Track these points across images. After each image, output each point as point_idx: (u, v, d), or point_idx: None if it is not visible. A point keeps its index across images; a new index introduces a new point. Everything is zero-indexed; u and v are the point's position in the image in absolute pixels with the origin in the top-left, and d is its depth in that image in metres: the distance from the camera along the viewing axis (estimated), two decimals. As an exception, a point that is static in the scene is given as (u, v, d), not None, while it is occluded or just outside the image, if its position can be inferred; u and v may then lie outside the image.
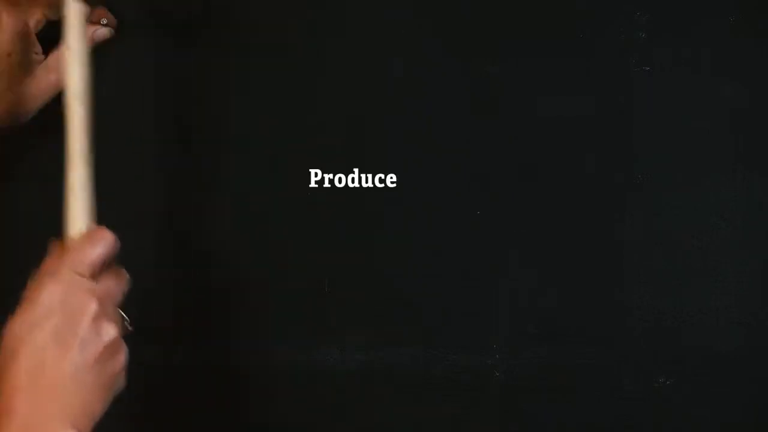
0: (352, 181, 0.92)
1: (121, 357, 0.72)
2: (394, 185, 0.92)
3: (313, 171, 0.92)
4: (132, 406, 0.94)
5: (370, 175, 0.92)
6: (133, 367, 0.94)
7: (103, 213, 0.93)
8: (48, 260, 0.72)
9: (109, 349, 0.71)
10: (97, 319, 0.71)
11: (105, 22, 0.86)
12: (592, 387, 0.93)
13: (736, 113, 0.89)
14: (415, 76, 0.91)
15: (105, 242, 0.74)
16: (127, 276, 0.75)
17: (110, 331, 0.71)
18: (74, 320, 0.70)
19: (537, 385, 0.93)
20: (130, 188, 0.93)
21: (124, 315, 0.74)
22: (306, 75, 0.91)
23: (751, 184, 0.89)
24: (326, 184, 0.93)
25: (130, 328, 0.74)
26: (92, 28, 0.86)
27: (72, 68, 0.76)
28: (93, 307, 0.71)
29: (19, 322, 0.69)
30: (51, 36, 0.90)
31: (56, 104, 0.92)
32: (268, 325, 0.93)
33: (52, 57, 0.87)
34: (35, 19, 0.85)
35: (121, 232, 0.93)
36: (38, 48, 0.87)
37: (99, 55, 0.91)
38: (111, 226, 0.93)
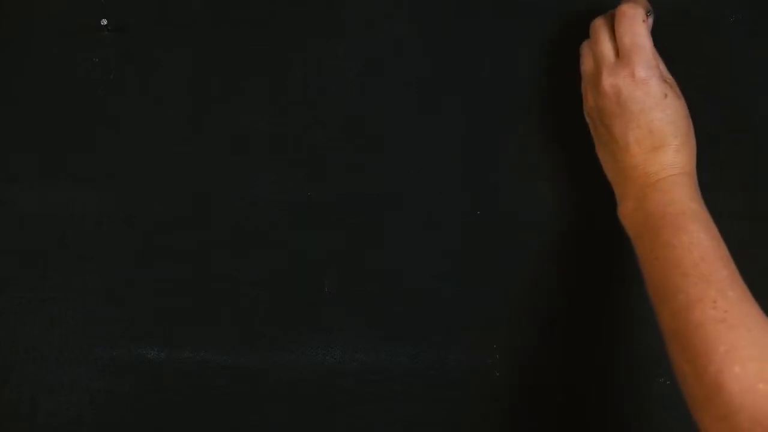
0: (352, 182, 0.92)
1: None
2: (394, 185, 0.92)
3: (312, 171, 0.92)
4: (132, 406, 0.95)
5: (370, 176, 0.92)
6: (133, 367, 0.94)
7: (103, 213, 0.93)
8: None
9: None
10: None
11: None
12: (592, 387, 0.93)
13: (736, 113, 0.89)
14: (415, 76, 0.91)
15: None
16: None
17: None
18: None
19: (537, 385, 0.93)
20: (129, 187, 0.93)
21: None
22: (306, 75, 0.91)
23: (752, 184, 0.89)
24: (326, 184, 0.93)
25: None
26: None
27: None
28: None
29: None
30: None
31: (58, 103, 0.92)
32: (268, 325, 0.93)
33: None
34: None
35: (121, 232, 0.93)
36: None
37: (99, 54, 0.92)
38: (111, 227, 0.93)
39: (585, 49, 0.83)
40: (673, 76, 0.81)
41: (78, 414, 0.94)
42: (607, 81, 0.78)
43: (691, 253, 0.72)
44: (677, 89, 0.80)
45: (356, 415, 0.94)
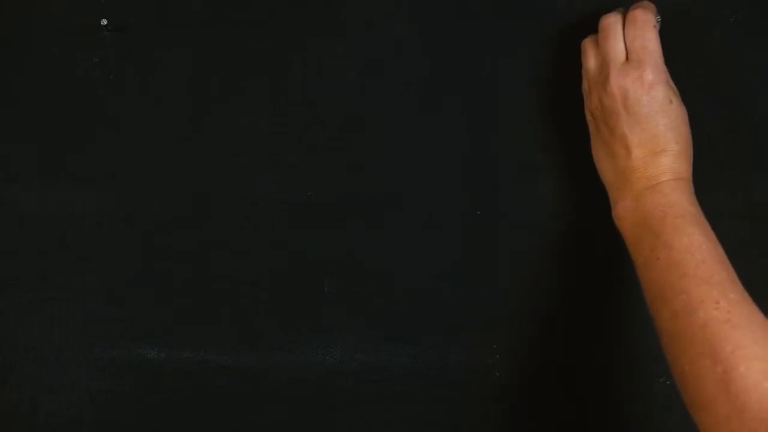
0: (352, 182, 0.92)
1: None
2: (394, 185, 0.92)
3: (312, 171, 0.92)
4: (132, 406, 0.95)
5: (370, 176, 0.92)
6: (133, 367, 0.94)
7: (103, 213, 0.93)
8: None
9: None
10: None
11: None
12: (592, 387, 0.93)
13: (736, 113, 0.89)
14: (415, 76, 0.91)
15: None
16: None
17: None
18: None
19: (537, 385, 0.93)
20: (129, 187, 0.93)
21: None
22: (306, 75, 0.91)
23: (751, 184, 0.89)
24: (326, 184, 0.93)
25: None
26: None
27: None
28: None
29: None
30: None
31: (58, 103, 0.92)
32: (268, 325, 0.93)
33: None
34: None
35: (121, 232, 0.93)
36: None
37: (98, 53, 0.92)
38: (111, 227, 0.93)
39: (588, 46, 0.83)
40: (673, 76, 0.81)
41: (78, 414, 0.94)
42: (616, 82, 0.79)
43: (693, 255, 0.72)
44: (679, 97, 0.81)
45: (356, 415, 0.94)
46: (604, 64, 0.80)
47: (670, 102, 0.78)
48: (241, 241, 0.93)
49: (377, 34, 0.90)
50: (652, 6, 0.82)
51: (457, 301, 0.92)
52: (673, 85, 0.81)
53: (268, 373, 0.93)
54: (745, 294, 0.70)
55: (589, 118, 0.84)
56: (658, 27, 0.81)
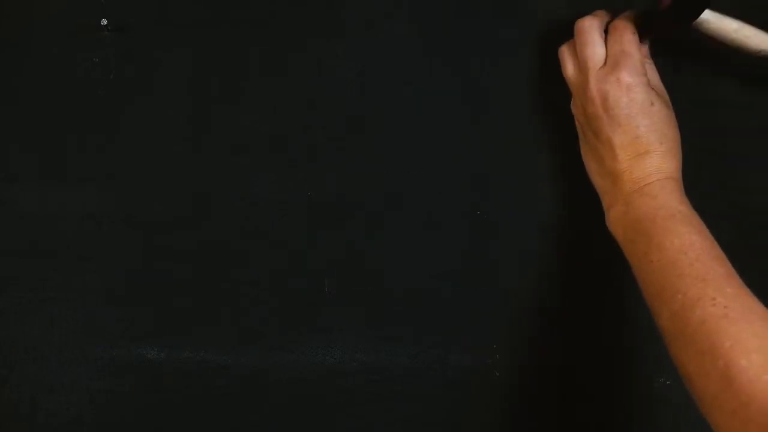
0: (352, 182, 0.92)
1: None
2: (394, 185, 0.92)
3: (312, 171, 0.92)
4: (132, 406, 0.95)
5: (370, 176, 0.92)
6: (133, 367, 0.94)
7: (103, 213, 0.93)
8: None
9: None
10: None
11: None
12: (592, 387, 0.93)
13: (736, 113, 0.89)
14: (415, 76, 0.91)
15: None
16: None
17: None
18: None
19: (537, 385, 0.93)
20: (129, 187, 0.93)
21: None
22: (306, 75, 0.91)
23: (750, 184, 0.89)
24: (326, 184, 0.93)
25: None
26: None
27: None
28: None
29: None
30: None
31: (58, 103, 0.92)
32: (268, 325, 0.93)
33: None
34: None
35: (121, 232, 0.93)
36: None
37: (99, 53, 0.92)
38: (111, 227, 0.93)
39: (565, 53, 0.83)
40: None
41: (78, 414, 0.94)
42: (595, 87, 0.79)
43: (686, 254, 0.72)
44: (667, 99, 0.81)
45: (356, 415, 0.94)
46: (582, 70, 0.81)
47: (651, 104, 0.78)
48: (241, 241, 0.93)
49: (377, 34, 0.90)
50: (632, 16, 0.82)
51: (457, 301, 0.92)
52: (659, 87, 0.81)
53: (268, 373, 0.93)
54: (743, 287, 0.70)
55: (577, 125, 0.84)
56: (647, 46, 0.82)
